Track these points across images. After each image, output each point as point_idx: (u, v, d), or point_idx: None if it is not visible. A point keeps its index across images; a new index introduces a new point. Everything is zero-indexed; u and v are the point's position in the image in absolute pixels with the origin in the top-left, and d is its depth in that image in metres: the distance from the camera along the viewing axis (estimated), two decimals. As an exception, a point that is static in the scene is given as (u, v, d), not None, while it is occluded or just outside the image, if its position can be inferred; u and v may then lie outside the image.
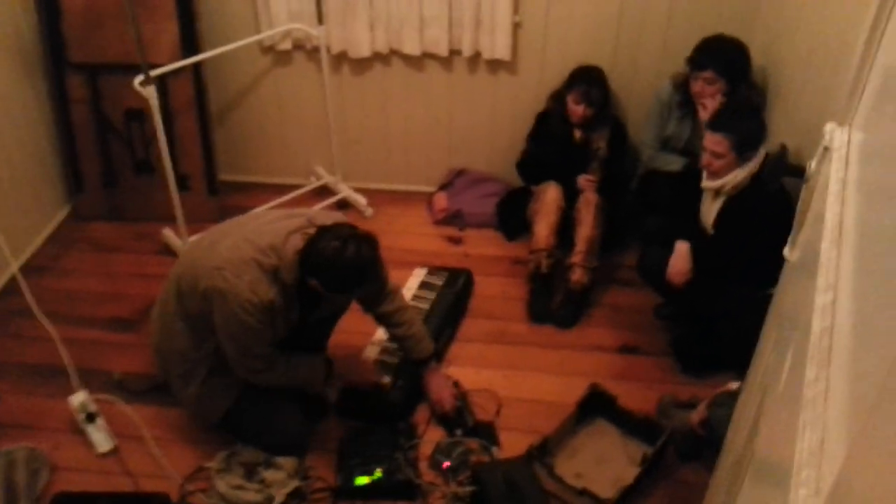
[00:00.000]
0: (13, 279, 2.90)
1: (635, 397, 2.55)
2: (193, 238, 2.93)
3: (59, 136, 3.39)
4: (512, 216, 3.39)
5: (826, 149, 1.34)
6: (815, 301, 1.01)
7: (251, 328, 2.13)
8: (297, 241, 2.13)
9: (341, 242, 2.07)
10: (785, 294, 1.51)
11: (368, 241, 2.13)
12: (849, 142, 1.30)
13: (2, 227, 2.53)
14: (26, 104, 3.21)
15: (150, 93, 2.72)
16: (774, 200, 2.34)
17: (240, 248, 2.14)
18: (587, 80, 3.08)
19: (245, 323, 2.11)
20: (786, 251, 1.31)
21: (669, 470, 2.38)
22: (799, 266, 1.34)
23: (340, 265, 2.06)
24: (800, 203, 1.32)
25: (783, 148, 2.40)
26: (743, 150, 2.40)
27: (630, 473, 2.28)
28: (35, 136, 3.28)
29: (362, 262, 2.09)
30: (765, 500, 1.09)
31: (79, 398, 2.46)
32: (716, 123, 2.44)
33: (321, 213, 2.33)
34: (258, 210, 2.44)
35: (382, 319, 2.45)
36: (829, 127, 1.35)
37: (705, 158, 2.48)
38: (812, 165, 1.41)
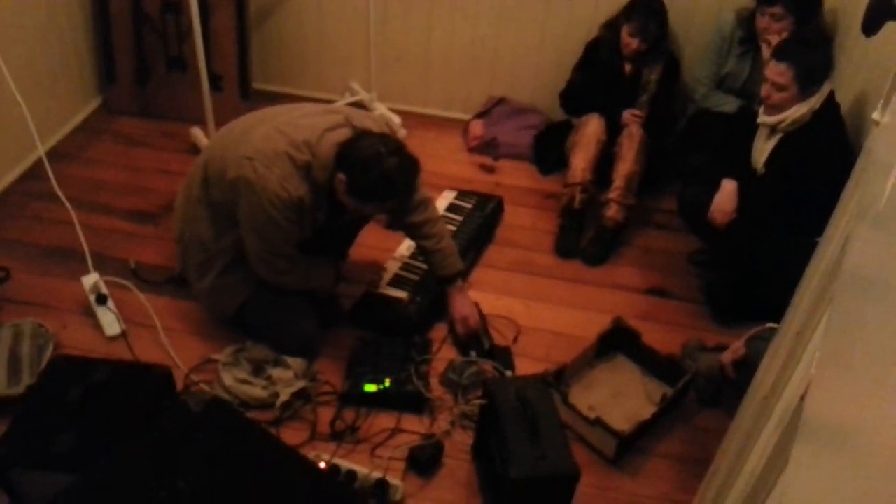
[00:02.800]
0: (38, 163, 2.85)
1: (659, 339, 2.44)
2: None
3: (96, 26, 3.31)
4: (549, 150, 3.26)
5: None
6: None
7: (277, 224, 2.04)
8: (333, 139, 2.03)
9: (386, 150, 1.96)
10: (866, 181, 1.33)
11: (413, 162, 2.03)
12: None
13: (32, 110, 2.47)
14: (65, -11, 3.12)
15: (188, -28, 2.61)
16: (835, 140, 2.18)
17: (273, 139, 2.04)
18: (646, 12, 2.90)
19: (272, 218, 2.03)
20: (875, 114, 1.15)
21: (688, 414, 2.28)
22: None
23: (375, 171, 1.95)
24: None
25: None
26: (807, 82, 2.24)
27: (647, 411, 2.18)
28: (72, 24, 3.20)
29: (398, 178, 1.99)
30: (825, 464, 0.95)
31: (91, 279, 2.42)
32: (781, 52, 2.28)
33: (359, 112, 2.22)
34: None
35: (411, 230, 2.35)
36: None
37: (765, 90, 2.32)
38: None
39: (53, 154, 3.09)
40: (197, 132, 3.23)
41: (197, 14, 2.75)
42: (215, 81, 3.29)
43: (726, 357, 2.14)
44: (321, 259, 2.32)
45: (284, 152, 2.00)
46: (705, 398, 2.28)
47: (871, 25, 1.01)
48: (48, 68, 3.10)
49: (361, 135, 2.01)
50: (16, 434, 1.76)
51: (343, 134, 2.03)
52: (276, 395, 2.15)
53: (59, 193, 2.54)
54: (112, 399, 1.82)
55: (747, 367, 2.02)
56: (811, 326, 1.46)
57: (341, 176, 2.00)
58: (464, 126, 3.49)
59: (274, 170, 1.99)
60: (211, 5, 3.18)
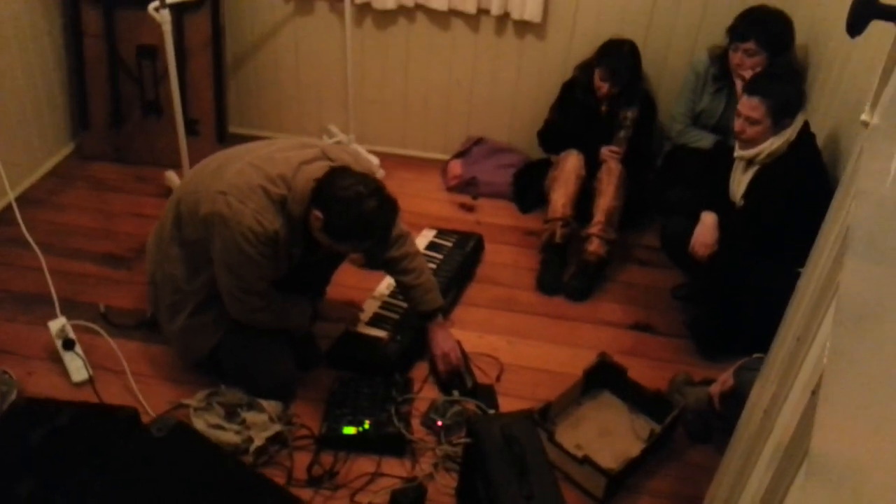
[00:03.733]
0: (7, 208, 2.79)
1: (645, 375, 2.39)
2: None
3: (70, 71, 3.29)
4: (528, 188, 3.26)
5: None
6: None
7: (251, 260, 1.98)
8: (309, 173, 1.98)
9: (367, 191, 1.91)
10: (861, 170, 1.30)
11: (391, 204, 1.98)
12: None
13: (2, 156, 2.42)
14: (39, 36, 3.10)
15: (165, 17, 2.60)
16: (812, 169, 2.19)
17: (247, 173, 1.99)
18: (616, 57, 2.93)
19: (245, 253, 1.96)
20: (864, 115, 1.13)
21: (677, 450, 2.22)
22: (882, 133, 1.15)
23: (354, 212, 1.90)
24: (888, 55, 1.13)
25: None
26: (779, 115, 2.25)
27: (635, 448, 2.12)
28: (45, 69, 3.18)
29: (376, 221, 1.94)
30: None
31: (58, 323, 2.33)
32: (752, 86, 2.30)
33: (335, 147, 2.19)
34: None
35: (389, 265, 2.30)
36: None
37: (738, 125, 2.33)
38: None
39: (24, 199, 3.03)
40: (172, 176, 3.19)
41: (173, 59, 2.74)
42: (191, 126, 3.27)
43: (714, 389, 2.09)
44: (297, 297, 2.25)
45: (259, 186, 1.96)
46: (695, 433, 2.22)
47: (855, 25, 1.01)
48: (19, 113, 3.06)
49: (339, 172, 1.96)
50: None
51: (320, 168, 1.99)
52: (251, 439, 2.05)
53: (29, 238, 2.46)
54: (76, 442, 1.73)
55: (736, 398, 1.97)
56: (799, 356, 1.43)
57: (317, 213, 1.94)
58: (442, 166, 3.49)
59: (248, 204, 1.94)
60: (187, 50, 3.18)
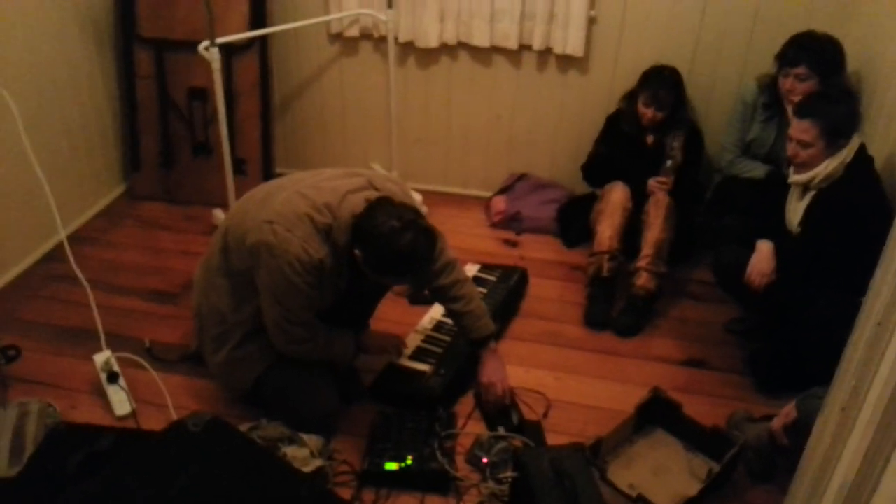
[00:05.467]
0: (59, 246, 2.86)
1: (700, 412, 2.26)
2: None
3: (122, 113, 3.40)
4: (573, 223, 3.20)
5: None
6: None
7: (297, 289, 1.96)
8: (354, 202, 1.97)
9: (401, 225, 1.88)
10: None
11: (429, 235, 1.95)
12: None
13: (56, 195, 2.49)
14: (92, 77, 3.22)
15: (214, 56, 2.67)
16: (871, 192, 2.09)
17: (294, 202, 1.99)
18: (658, 81, 2.90)
19: (292, 282, 1.95)
20: None
21: (738, 490, 2.08)
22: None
23: (390, 248, 1.88)
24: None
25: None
26: (833, 137, 2.17)
27: (692, 488, 1.99)
28: (98, 110, 3.29)
29: (414, 254, 1.91)
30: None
31: (103, 356, 2.33)
32: (802, 109, 2.23)
33: (382, 175, 2.18)
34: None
35: (439, 293, 2.26)
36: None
37: (791, 149, 2.25)
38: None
39: (75, 238, 3.11)
40: (219, 214, 3.23)
41: (223, 100, 2.80)
42: (239, 165, 3.33)
43: (777, 423, 1.97)
44: (341, 330, 2.22)
45: (306, 214, 1.95)
46: (756, 472, 2.09)
47: None
48: (73, 154, 3.15)
49: (376, 207, 1.94)
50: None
51: (365, 196, 1.98)
52: (291, 474, 2.00)
53: (79, 274, 2.50)
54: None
55: (800, 430, 1.85)
56: (862, 391, 1.33)
57: (357, 251, 1.95)
58: (485, 202, 3.46)
59: (295, 232, 1.93)
60: (236, 92, 3.26)
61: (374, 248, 1.91)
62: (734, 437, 2.09)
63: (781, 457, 2.01)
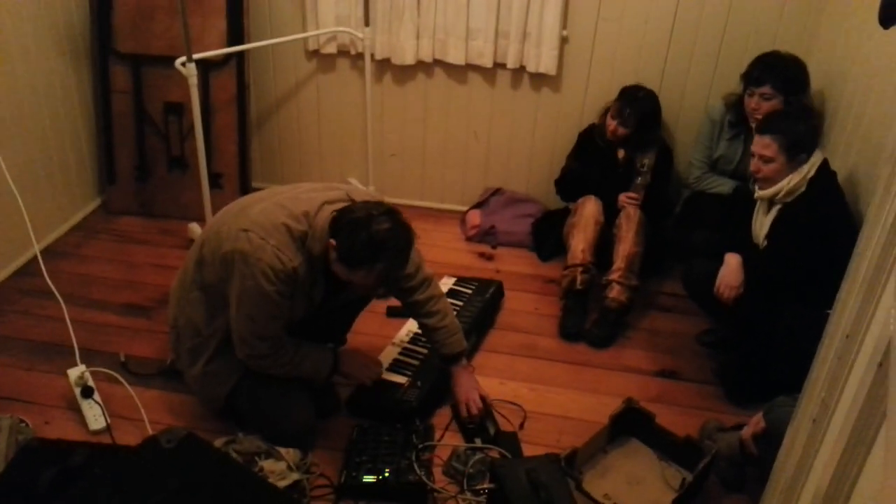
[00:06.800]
0: (32, 260, 2.84)
1: (673, 422, 2.31)
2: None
3: (98, 127, 3.39)
4: (547, 237, 3.26)
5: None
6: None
7: (268, 297, 1.95)
8: (331, 210, 1.99)
9: (378, 213, 1.91)
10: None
11: (405, 228, 1.96)
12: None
13: (29, 209, 2.47)
14: (68, 92, 3.21)
15: (191, 72, 2.68)
16: (835, 206, 2.16)
17: (271, 212, 2.00)
18: (628, 99, 2.97)
19: (263, 291, 1.94)
20: None
21: (711, 498, 2.13)
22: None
23: (364, 233, 1.88)
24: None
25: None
26: (793, 152, 2.25)
27: (666, 498, 2.03)
28: (74, 124, 3.27)
29: (388, 241, 1.91)
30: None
31: (78, 371, 2.32)
32: (764, 125, 2.31)
33: (360, 189, 2.21)
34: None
35: (415, 308, 2.29)
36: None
37: (753, 164, 2.34)
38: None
39: (49, 252, 3.09)
40: (195, 227, 3.23)
41: (199, 115, 2.81)
42: (215, 180, 3.33)
43: (746, 432, 2.02)
44: (314, 346, 2.20)
45: (283, 224, 1.97)
46: (728, 481, 2.14)
47: (888, 17, 1.01)
48: (47, 168, 3.13)
49: (354, 203, 1.98)
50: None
51: (342, 206, 2.00)
52: (268, 487, 2.00)
53: (52, 288, 2.48)
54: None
55: (770, 440, 1.90)
56: (832, 402, 1.37)
57: (332, 241, 1.94)
58: (461, 216, 3.50)
59: (270, 240, 1.94)
60: (213, 107, 3.27)
61: (349, 233, 1.89)
62: (706, 446, 2.14)
63: (752, 466, 2.06)
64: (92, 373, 2.35)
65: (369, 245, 1.89)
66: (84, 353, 2.44)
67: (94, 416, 2.25)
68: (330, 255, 1.97)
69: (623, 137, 2.97)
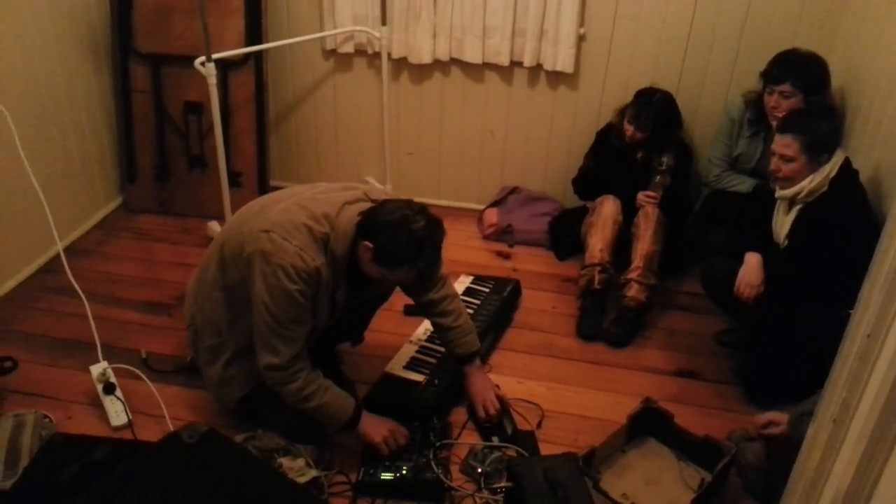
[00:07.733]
0: (55, 258, 2.88)
1: (691, 423, 2.29)
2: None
3: (118, 126, 3.42)
4: (564, 236, 3.25)
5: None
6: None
7: (292, 298, 1.94)
8: (352, 213, 2.00)
9: (412, 212, 1.92)
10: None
11: (438, 223, 1.98)
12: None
13: (52, 208, 2.51)
14: (89, 92, 3.25)
15: (210, 71, 2.71)
16: (856, 205, 2.14)
17: (292, 212, 2.01)
18: (643, 103, 2.94)
19: (286, 290, 1.93)
20: None
21: (730, 499, 2.11)
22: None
23: (404, 233, 1.89)
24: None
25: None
26: (814, 152, 2.23)
27: (685, 498, 2.02)
28: (95, 124, 3.31)
29: (427, 238, 1.92)
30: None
31: (100, 367, 2.35)
32: (784, 124, 2.29)
33: (377, 188, 2.22)
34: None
35: (428, 307, 2.29)
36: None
37: (774, 163, 2.31)
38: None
39: (71, 250, 3.13)
40: (214, 226, 3.26)
41: (218, 114, 2.84)
42: (234, 178, 3.36)
43: (761, 425, 2.00)
44: (342, 391, 2.12)
45: (304, 224, 1.97)
46: (755, 493, 2.11)
47: None
48: (69, 168, 3.18)
49: (382, 203, 1.99)
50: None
51: (362, 206, 2.01)
52: (287, 484, 2.02)
53: (75, 286, 2.52)
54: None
55: (789, 451, 1.88)
56: (853, 403, 1.36)
57: (367, 244, 1.94)
58: (478, 215, 3.51)
59: (292, 241, 1.95)
60: (232, 106, 3.30)
61: (389, 234, 1.90)
62: (726, 447, 2.13)
63: (781, 481, 2.03)
64: (114, 369, 2.38)
65: (411, 244, 1.91)
66: (106, 349, 2.48)
67: (116, 412, 2.28)
68: (363, 257, 1.97)
69: (641, 141, 2.96)
